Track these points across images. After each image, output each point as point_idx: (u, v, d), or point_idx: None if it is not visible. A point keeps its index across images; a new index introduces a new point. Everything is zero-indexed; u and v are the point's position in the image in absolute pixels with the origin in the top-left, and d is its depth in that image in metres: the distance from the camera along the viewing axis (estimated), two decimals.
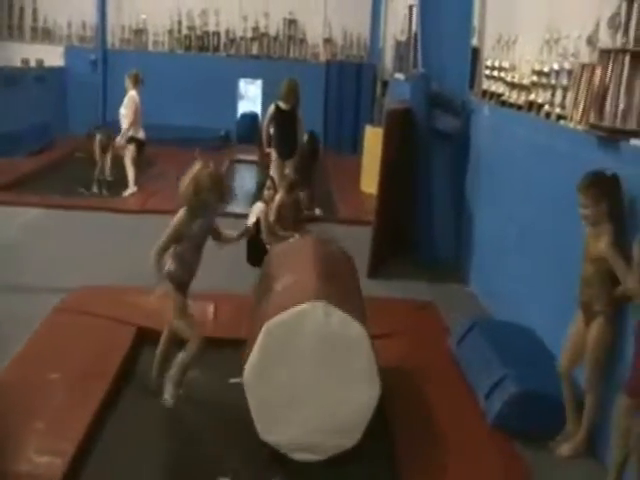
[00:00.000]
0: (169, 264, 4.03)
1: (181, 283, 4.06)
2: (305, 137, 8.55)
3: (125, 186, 9.34)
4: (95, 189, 9.50)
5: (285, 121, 7.80)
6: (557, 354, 4.31)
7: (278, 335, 3.60)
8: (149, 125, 9.66)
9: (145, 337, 4.84)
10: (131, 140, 9.38)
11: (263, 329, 3.61)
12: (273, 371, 3.62)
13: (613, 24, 3.95)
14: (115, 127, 9.69)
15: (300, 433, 3.66)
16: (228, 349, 4.66)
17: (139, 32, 13.97)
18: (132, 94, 9.34)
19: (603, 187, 3.70)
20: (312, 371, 3.63)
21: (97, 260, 6.63)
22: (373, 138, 9.28)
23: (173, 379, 4.07)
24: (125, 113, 9.33)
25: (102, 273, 6.16)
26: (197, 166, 4.00)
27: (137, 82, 9.40)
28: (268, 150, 8.16)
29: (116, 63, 13.14)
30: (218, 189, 4.02)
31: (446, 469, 3.65)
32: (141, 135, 9.44)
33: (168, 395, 4.06)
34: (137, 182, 9.40)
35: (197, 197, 3.93)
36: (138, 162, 9.51)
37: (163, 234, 3.97)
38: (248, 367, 3.63)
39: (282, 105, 7.73)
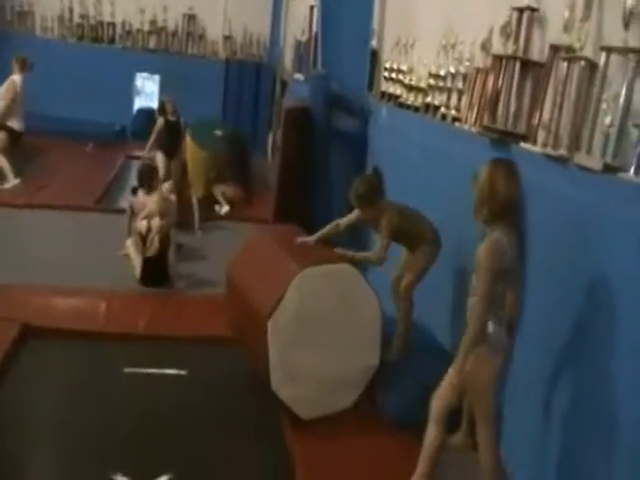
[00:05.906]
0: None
1: None
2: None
3: None
4: None
5: (174, 130, 9.47)
6: (449, 346, 4.41)
7: (312, 281, 3.94)
8: (36, 115, 9.01)
9: (29, 334, 4.65)
10: (1, 128, 8.62)
11: (299, 275, 3.88)
12: (298, 320, 3.87)
13: (505, 32, 4.08)
14: None
15: (308, 384, 3.93)
16: (121, 342, 4.74)
17: (24, 14, 13.17)
18: (14, 78, 8.63)
19: None
20: (329, 325, 3.98)
21: None
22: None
23: None
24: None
25: None
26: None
27: (24, 67, 8.70)
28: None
29: None
30: None
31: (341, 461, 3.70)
32: (15, 125, 8.70)
33: None
34: (18, 174, 8.68)
35: None
36: (10, 152, 8.74)
37: None
38: (278, 312, 3.81)
39: (171, 118, 9.42)
